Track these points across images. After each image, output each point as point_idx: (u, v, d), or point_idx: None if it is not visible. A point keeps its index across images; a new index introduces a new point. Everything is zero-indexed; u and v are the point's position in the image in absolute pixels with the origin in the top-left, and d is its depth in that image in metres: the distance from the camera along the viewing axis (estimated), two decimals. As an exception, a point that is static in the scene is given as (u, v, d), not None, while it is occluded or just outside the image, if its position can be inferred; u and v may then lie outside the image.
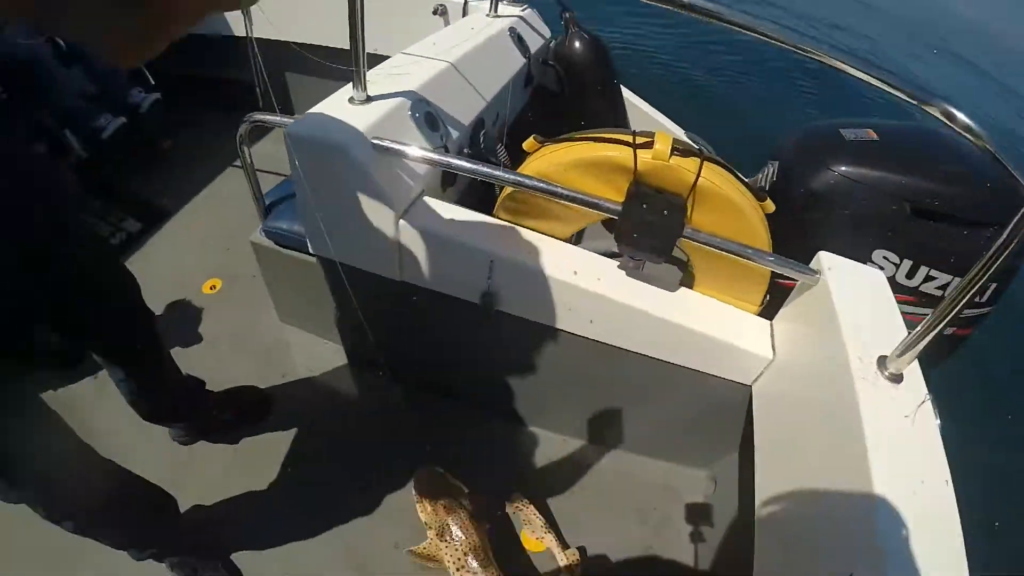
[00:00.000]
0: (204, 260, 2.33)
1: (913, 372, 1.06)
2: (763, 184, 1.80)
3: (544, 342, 1.51)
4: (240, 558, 1.58)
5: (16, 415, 1.02)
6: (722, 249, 1.25)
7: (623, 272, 1.39)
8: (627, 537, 1.67)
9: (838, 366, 1.07)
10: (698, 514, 1.71)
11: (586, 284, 1.34)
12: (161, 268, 2.24)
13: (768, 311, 1.44)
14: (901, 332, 1.14)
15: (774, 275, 1.37)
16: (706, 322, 1.36)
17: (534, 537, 1.58)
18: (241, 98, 2.41)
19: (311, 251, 1.60)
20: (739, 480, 1.52)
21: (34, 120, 2.10)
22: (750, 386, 1.40)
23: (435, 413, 1.88)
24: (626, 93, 2.37)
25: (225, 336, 2.07)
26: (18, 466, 1.03)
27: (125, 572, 1.51)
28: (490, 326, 1.50)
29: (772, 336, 1.37)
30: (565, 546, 1.56)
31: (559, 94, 2.19)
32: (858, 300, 1.19)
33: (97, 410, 1.80)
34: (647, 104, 2.46)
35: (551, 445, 1.83)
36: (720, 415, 1.51)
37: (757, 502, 1.20)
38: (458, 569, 1.43)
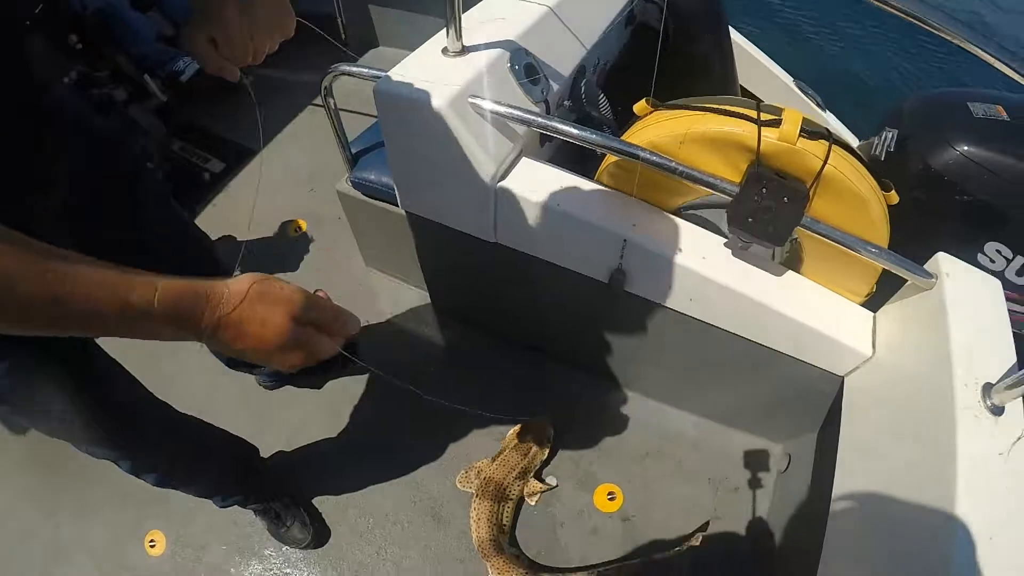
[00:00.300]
0: (289, 200, 2.32)
1: (1014, 405, 1.00)
2: (878, 152, 1.62)
3: (642, 314, 1.45)
4: (320, 503, 1.65)
5: (86, 373, 1.00)
6: (839, 243, 1.16)
7: (728, 251, 1.30)
8: (696, 503, 1.65)
9: (941, 386, 1.02)
10: (768, 489, 1.67)
11: (691, 263, 1.26)
12: (245, 208, 2.25)
13: (873, 301, 1.34)
14: (1010, 355, 1.07)
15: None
16: (807, 310, 1.27)
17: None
18: (323, 31, 2.33)
19: (400, 206, 1.55)
20: (815, 463, 1.48)
21: (112, 67, 2.10)
22: (842, 377, 1.32)
23: (523, 366, 1.86)
24: (734, 35, 2.15)
25: (309, 279, 2.08)
26: (94, 426, 1.03)
27: (210, 517, 1.62)
28: (589, 294, 1.44)
29: (874, 332, 1.27)
30: None
31: (663, 34, 2.00)
32: (972, 315, 1.10)
33: (179, 360, 1.87)
34: (756, 48, 2.23)
35: (636, 406, 1.80)
36: (806, 398, 1.45)
37: (834, 494, 1.17)
38: (477, 495, 1.57)
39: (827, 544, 1.14)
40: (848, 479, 1.17)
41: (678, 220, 1.34)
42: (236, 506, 1.52)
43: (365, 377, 1.83)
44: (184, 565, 1.60)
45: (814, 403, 1.44)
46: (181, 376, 1.83)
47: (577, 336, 1.72)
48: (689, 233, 1.32)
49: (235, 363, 1.59)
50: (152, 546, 1.63)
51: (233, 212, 2.29)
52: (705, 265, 1.27)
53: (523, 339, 1.88)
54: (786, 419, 1.62)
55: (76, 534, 1.66)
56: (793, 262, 1.35)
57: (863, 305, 1.33)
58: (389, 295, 2.01)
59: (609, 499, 1.64)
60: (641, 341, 1.56)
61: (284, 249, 2.17)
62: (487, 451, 1.68)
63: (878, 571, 1.00)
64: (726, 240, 1.31)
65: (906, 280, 1.21)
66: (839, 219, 1.18)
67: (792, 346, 1.33)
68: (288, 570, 1.60)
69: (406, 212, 1.56)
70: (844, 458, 1.21)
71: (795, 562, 1.40)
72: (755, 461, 1.71)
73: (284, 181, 2.40)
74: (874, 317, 1.30)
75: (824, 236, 1.15)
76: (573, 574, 1.51)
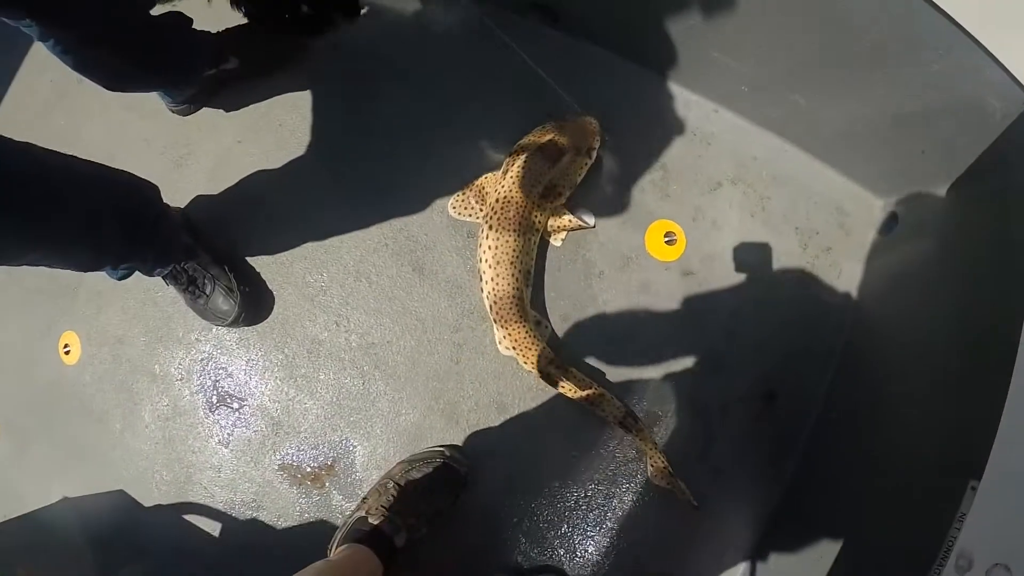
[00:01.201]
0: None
1: None
2: None
3: None
4: (258, 260, 1.19)
5: None
6: None
7: None
8: (779, 260, 1.17)
9: None
10: (863, 254, 1.18)
11: None
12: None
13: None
14: None
15: None
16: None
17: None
18: None
19: None
20: (945, 230, 1.00)
21: None
22: None
23: (534, 48, 1.23)
24: None
25: None
26: None
27: (123, 300, 1.25)
28: None
29: None
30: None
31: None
32: None
33: (74, 108, 1.37)
34: None
35: (707, 117, 1.21)
36: (954, 120, 0.91)
37: None
38: (489, 224, 1.06)
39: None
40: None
41: None
42: (139, 273, 1.07)
43: (328, 80, 1.25)
44: (102, 368, 1.27)
45: (964, 136, 0.91)
46: (83, 124, 1.36)
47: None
48: None
49: (117, 80, 1.06)
50: (67, 352, 1.30)
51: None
52: None
53: (544, 4, 1.23)
54: (906, 161, 1.08)
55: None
56: None
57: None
58: None
59: (667, 242, 1.13)
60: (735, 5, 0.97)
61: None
62: (491, 168, 1.16)
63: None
64: None
65: None
66: None
67: (978, 22, 0.76)
68: (223, 358, 1.21)
69: None
70: None
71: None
72: (855, 215, 1.19)
73: None
74: None
75: None
76: (606, 396, 1.05)
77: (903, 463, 0.89)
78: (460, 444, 1.09)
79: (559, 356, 1.05)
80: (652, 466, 1.05)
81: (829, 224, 1.19)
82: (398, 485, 1.00)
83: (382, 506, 0.97)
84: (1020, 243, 0.74)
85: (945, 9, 0.76)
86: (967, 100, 0.86)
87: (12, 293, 1.36)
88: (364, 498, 1.02)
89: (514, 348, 1.04)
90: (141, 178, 1.04)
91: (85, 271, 1.00)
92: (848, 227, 1.19)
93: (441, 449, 1.07)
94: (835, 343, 1.14)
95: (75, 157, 0.92)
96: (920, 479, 0.82)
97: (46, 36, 0.88)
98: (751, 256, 1.17)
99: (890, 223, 1.17)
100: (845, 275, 1.17)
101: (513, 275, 1.02)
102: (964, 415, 0.75)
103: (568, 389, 1.03)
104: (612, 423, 1.05)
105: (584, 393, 1.02)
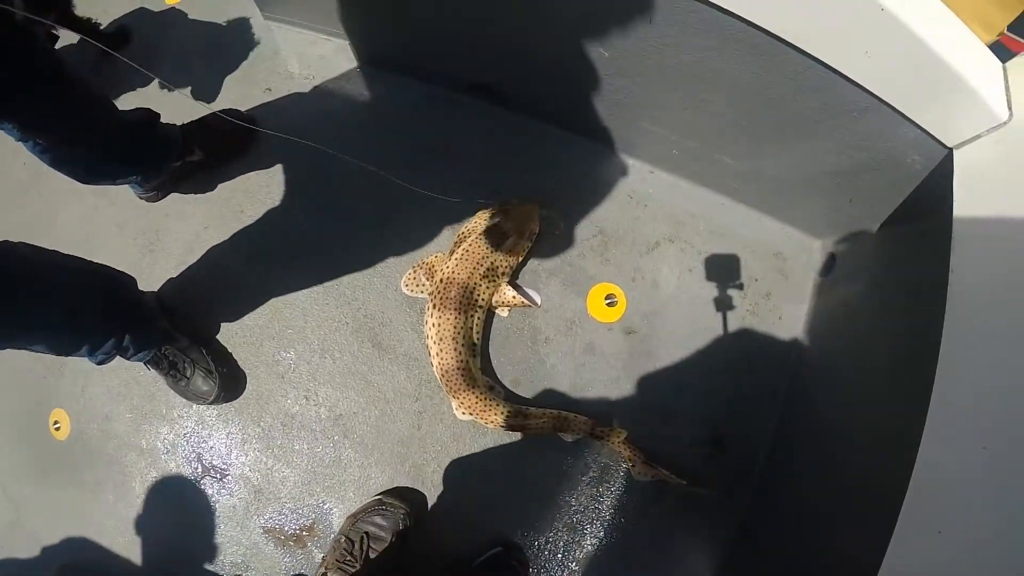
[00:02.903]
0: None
1: None
2: None
3: (676, 31, 0.91)
4: (229, 339, 1.26)
5: None
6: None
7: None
8: (720, 310, 1.25)
9: None
10: (805, 295, 1.27)
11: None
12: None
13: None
14: None
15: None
16: (913, 28, 0.76)
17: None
18: None
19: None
20: (876, 269, 1.09)
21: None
22: (950, 149, 0.87)
23: (486, 123, 1.34)
24: None
25: (194, 50, 1.50)
26: None
27: (107, 379, 1.31)
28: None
29: (1007, 88, 0.81)
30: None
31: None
32: None
33: (48, 194, 1.44)
34: None
35: (641, 179, 1.31)
36: (878, 178, 1.01)
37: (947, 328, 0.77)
38: (433, 304, 1.14)
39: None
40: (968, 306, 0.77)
41: None
42: (119, 358, 1.13)
43: (282, 167, 1.35)
44: (92, 444, 1.33)
45: (888, 185, 1.01)
46: (59, 209, 1.43)
47: (548, 74, 1.18)
48: None
49: (92, 174, 1.13)
50: (57, 428, 1.36)
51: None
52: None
53: (480, 86, 1.34)
54: (838, 207, 1.16)
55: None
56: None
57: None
58: (296, 52, 1.47)
59: (608, 304, 1.22)
60: (664, 78, 1.04)
61: (156, 15, 1.56)
62: (442, 248, 1.25)
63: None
64: None
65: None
66: None
67: (880, 82, 0.84)
68: (204, 432, 1.27)
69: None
70: (963, 271, 0.79)
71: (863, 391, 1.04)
72: (793, 259, 1.28)
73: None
74: (1004, 68, 0.82)
75: None
76: (570, 416, 1.14)
77: (846, 494, 0.96)
78: (423, 500, 1.18)
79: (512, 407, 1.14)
80: (632, 465, 1.15)
81: (768, 269, 1.28)
82: (349, 539, 1.09)
83: (336, 560, 1.07)
84: (939, 279, 0.81)
85: (855, 79, 0.84)
86: (887, 154, 0.95)
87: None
88: (324, 557, 1.11)
89: (470, 413, 1.12)
90: (118, 270, 1.12)
91: (66, 356, 1.05)
92: (787, 271, 1.28)
93: (379, 498, 1.15)
94: (780, 384, 1.23)
95: (58, 252, 1.00)
96: (861, 507, 0.88)
97: (26, 138, 0.95)
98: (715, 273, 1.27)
99: (829, 264, 1.26)
100: (786, 318, 1.26)
101: (456, 349, 1.11)
102: (894, 441, 0.82)
103: (534, 428, 1.12)
104: (585, 437, 1.14)
105: (550, 423, 1.12)
